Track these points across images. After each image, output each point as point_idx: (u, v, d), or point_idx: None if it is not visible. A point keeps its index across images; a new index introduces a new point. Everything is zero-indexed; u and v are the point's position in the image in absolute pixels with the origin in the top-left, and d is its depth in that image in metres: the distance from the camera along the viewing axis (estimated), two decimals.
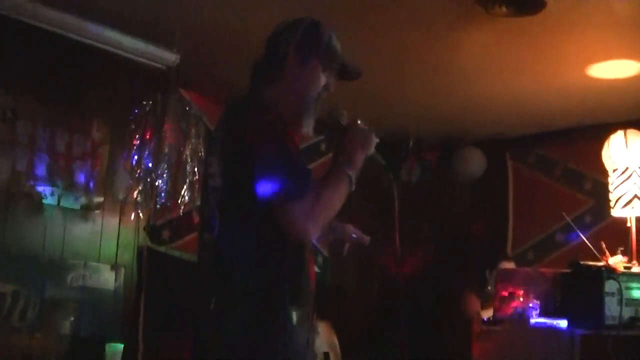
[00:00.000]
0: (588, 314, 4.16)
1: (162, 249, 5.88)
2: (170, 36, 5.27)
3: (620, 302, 4.11)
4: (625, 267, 4.31)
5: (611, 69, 5.69)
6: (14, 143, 5.09)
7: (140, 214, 5.60)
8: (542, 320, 4.30)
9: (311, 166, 2.64)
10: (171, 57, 5.40)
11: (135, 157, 5.51)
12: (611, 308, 4.10)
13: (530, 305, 4.36)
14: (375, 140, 2.76)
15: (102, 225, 5.59)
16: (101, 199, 5.58)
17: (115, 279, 5.56)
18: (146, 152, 5.51)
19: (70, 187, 5.39)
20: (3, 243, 5.04)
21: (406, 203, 3.00)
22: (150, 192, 5.51)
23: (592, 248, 4.51)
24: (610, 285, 4.14)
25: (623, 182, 4.94)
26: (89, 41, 5.09)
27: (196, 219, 5.80)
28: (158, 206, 5.55)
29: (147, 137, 5.53)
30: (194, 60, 5.65)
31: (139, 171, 5.50)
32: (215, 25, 5.21)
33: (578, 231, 4.97)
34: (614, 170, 5.05)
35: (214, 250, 2.62)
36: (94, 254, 5.51)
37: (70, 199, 5.39)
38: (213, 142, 2.80)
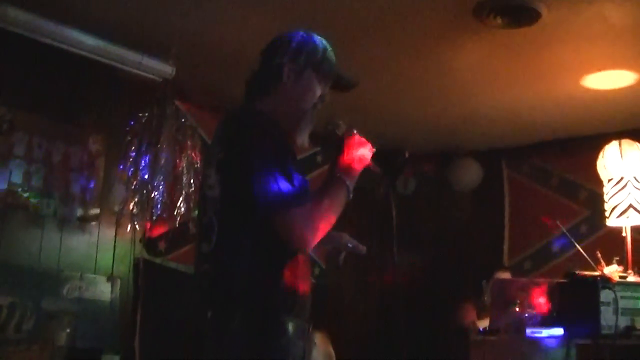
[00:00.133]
0: (584, 324, 4.17)
1: (158, 260, 5.88)
2: (166, 48, 5.29)
3: (616, 311, 4.11)
4: (620, 277, 4.32)
5: (606, 80, 5.70)
6: (10, 154, 5.09)
7: (137, 226, 5.59)
8: (538, 330, 4.30)
9: (307, 178, 2.65)
10: (167, 69, 5.41)
11: (132, 168, 5.51)
12: (607, 317, 4.10)
13: (527, 315, 4.36)
14: (372, 150, 2.78)
15: (98, 236, 5.58)
16: (97, 211, 5.58)
17: (112, 291, 5.55)
18: (142, 164, 5.51)
19: (67, 198, 5.39)
20: None
21: (402, 214, 3.00)
22: (146, 203, 5.51)
23: (588, 258, 4.51)
24: (605, 295, 4.15)
25: (618, 191, 4.95)
26: (85, 53, 5.10)
27: (192, 230, 5.80)
28: (154, 218, 5.55)
29: (143, 148, 5.53)
30: (189, 73, 5.66)
31: (135, 183, 5.50)
32: (211, 37, 5.22)
33: (574, 241, 4.98)
34: (609, 180, 5.06)
35: (211, 261, 2.62)
36: (90, 265, 5.50)
37: (67, 211, 5.38)
38: (210, 153, 2.80)
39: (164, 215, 5.58)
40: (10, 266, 5.04)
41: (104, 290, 5.51)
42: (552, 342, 4.26)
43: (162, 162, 5.51)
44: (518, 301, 4.41)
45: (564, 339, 4.21)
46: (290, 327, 2.56)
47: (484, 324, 5.13)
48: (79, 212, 5.48)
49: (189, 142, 5.69)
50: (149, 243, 5.80)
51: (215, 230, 2.61)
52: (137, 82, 5.58)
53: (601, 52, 5.25)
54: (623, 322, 4.14)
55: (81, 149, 5.51)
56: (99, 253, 5.56)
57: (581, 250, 4.69)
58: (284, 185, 2.49)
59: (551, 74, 5.67)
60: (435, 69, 5.72)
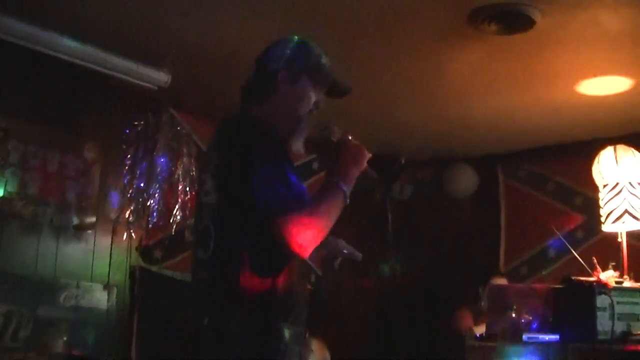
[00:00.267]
0: (580, 329, 4.17)
1: (154, 268, 5.87)
2: (161, 57, 5.29)
3: (612, 316, 4.12)
4: (616, 282, 4.32)
5: (601, 86, 5.71)
6: (6, 163, 5.08)
7: (133, 234, 5.60)
8: (534, 335, 4.30)
9: (304, 184, 2.66)
10: (162, 77, 5.40)
11: (127, 176, 5.53)
12: (603, 323, 4.11)
13: (523, 320, 4.37)
14: (368, 155, 2.78)
15: (94, 244, 5.57)
16: (93, 219, 5.57)
17: (108, 299, 5.55)
18: (138, 172, 5.53)
19: (63, 206, 5.38)
20: None
21: (399, 220, 3.00)
22: (142, 211, 5.52)
23: (584, 263, 4.52)
24: (602, 300, 4.15)
25: (613, 197, 4.95)
26: (80, 61, 5.09)
27: (188, 238, 5.80)
28: (150, 225, 5.56)
29: (139, 156, 5.54)
30: (185, 81, 5.65)
31: (130, 191, 5.51)
32: (207, 45, 5.22)
33: (569, 246, 4.98)
34: (604, 186, 5.07)
35: (208, 267, 2.62)
36: (86, 273, 5.50)
37: (63, 219, 5.38)
38: (206, 159, 2.80)
39: (160, 223, 5.60)
40: (7, 274, 5.04)
41: (100, 298, 5.51)
42: (548, 348, 4.26)
43: (158, 169, 5.53)
44: (514, 306, 4.41)
45: (560, 345, 4.21)
46: (287, 333, 2.56)
47: (480, 329, 5.13)
48: (75, 220, 5.47)
49: (184, 150, 5.70)
50: (145, 251, 5.80)
51: (212, 237, 2.61)
52: (132, 90, 5.58)
53: (596, 58, 5.26)
54: (619, 327, 4.15)
55: (77, 157, 5.50)
56: (95, 261, 5.55)
57: (577, 256, 4.70)
58: (282, 191, 2.49)
59: (546, 80, 5.68)
60: (430, 76, 5.72)
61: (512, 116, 6.56)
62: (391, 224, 2.94)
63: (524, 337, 4.29)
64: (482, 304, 6.18)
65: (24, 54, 4.97)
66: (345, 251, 3.06)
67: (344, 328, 7.31)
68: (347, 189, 2.65)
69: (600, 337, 4.09)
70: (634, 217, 4.87)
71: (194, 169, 5.68)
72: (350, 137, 2.81)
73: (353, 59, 5.27)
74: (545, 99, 6.09)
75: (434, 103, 6.35)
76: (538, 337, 4.28)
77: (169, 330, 5.56)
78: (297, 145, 2.83)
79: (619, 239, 4.99)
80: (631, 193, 4.91)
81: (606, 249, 5.04)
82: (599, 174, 5.10)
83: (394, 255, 2.97)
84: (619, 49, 5.08)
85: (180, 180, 5.66)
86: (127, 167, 5.54)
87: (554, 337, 4.25)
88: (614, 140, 5.28)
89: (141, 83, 5.39)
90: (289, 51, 2.84)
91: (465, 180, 7.74)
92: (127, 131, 5.54)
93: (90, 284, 5.48)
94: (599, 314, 4.12)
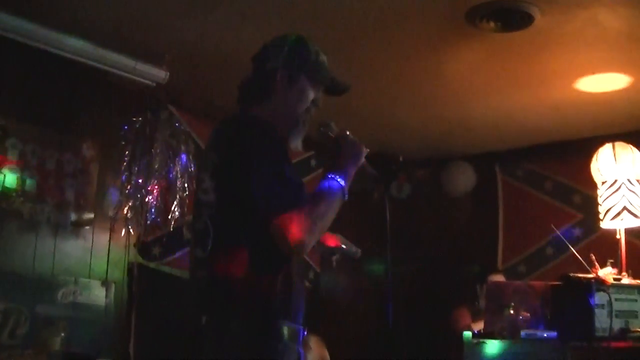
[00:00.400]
0: (578, 326, 4.17)
1: (152, 265, 5.86)
2: (160, 54, 5.29)
3: (610, 314, 4.11)
4: (615, 279, 4.32)
5: (599, 83, 5.72)
6: (4, 160, 5.08)
7: (131, 231, 5.60)
8: (532, 332, 4.30)
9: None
10: (161, 74, 5.40)
11: (126, 173, 5.52)
12: (601, 320, 4.11)
13: (521, 318, 4.36)
14: (366, 150, 2.78)
15: (92, 241, 5.57)
16: (91, 216, 5.57)
17: (106, 296, 5.54)
18: (136, 169, 5.52)
19: (61, 204, 5.38)
20: None
21: (397, 219, 3.00)
22: (140, 208, 5.51)
23: (582, 260, 4.52)
24: (600, 297, 4.15)
25: (612, 194, 4.94)
26: (78, 58, 5.09)
27: (187, 235, 5.80)
28: (148, 222, 5.56)
29: (137, 153, 5.54)
30: (183, 78, 5.66)
31: (129, 187, 5.50)
32: (205, 43, 5.22)
33: (568, 244, 4.98)
34: (603, 183, 5.07)
35: (206, 266, 2.62)
36: (84, 270, 5.49)
37: (61, 216, 5.37)
38: (205, 157, 2.80)
39: (158, 220, 5.59)
40: (5, 272, 5.03)
41: (98, 295, 5.50)
42: (546, 345, 4.26)
43: (156, 166, 5.52)
44: (512, 304, 4.41)
45: (558, 342, 4.20)
46: (286, 331, 2.56)
47: (478, 327, 5.13)
48: (73, 217, 5.46)
49: (182, 147, 5.70)
50: (143, 248, 5.79)
51: (210, 235, 2.61)
52: (130, 88, 5.59)
53: (594, 55, 5.26)
54: (617, 324, 4.14)
55: (75, 154, 5.50)
56: (93, 258, 5.55)
57: (575, 253, 4.69)
58: (281, 190, 2.50)
59: (544, 78, 5.69)
60: (428, 74, 5.72)
61: (511, 114, 6.56)
62: (389, 223, 2.94)
63: (522, 334, 4.29)
64: (480, 301, 6.18)
65: (22, 52, 4.97)
66: (343, 247, 3.06)
67: (343, 328, 7.30)
68: (346, 184, 2.65)
69: (599, 334, 4.09)
70: (632, 214, 4.86)
71: (192, 166, 5.67)
72: (347, 133, 2.81)
73: (351, 58, 5.27)
74: (544, 97, 6.09)
75: (433, 101, 6.35)
76: (536, 335, 4.28)
77: (167, 327, 5.56)
78: (296, 143, 2.83)
79: (618, 236, 4.98)
80: (630, 190, 4.90)
81: (604, 247, 5.03)
82: (597, 171, 5.10)
83: (392, 253, 2.97)
84: (617, 46, 5.08)
85: (179, 177, 5.65)
86: (125, 164, 5.54)
87: (552, 334, 4.24)
88: (612, 138, 5.27)
89: (139, 80, 5.39)
90: (286, 49, 2.83)
91: (464, 179, 7.74)
92: (125, 128, 5.53)
93: (88, 280, 5.48)
94: (597, 311, 4.11)
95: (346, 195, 2.65)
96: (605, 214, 4.99)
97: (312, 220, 2.50)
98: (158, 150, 5.58)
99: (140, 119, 5.58)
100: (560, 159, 7.25)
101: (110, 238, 5.67)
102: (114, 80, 5.49)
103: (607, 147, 5.09)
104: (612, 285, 4.23)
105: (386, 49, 5.27)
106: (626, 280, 4.45)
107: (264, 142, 2.58)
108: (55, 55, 5.01)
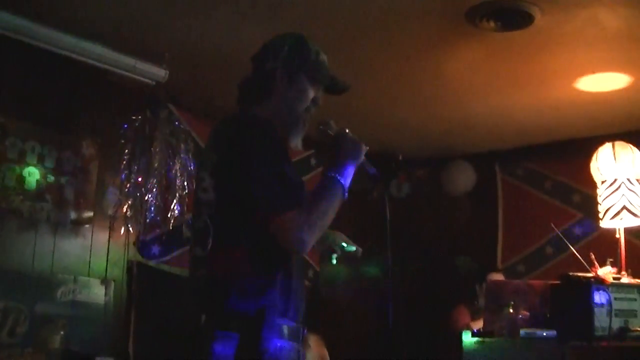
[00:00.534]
0: (578, 326, 4.16)
1: (151, 263, 5.87)
2: (159, 53, 5.29)
3: (609, 313, 4.11)
4: (614, 278, 4.32)
5: (599, 82, 5.72)
6: (4, 159, 5.08)
7: (130, 229, 5.60)
8: (532, 331, 4.29)
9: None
10: (160, 72, 5.40)
11: (125, 172, 5.52)
12: (601, 319, 4.10)
13: (520, 317, 4.36)
14: (365, 148, 2.77)
15: (91, 240, 5.56)
16: (91, 214, 5.56)
17: (105, 294, 5.54)
18: (135, 167, 5.52)
19: (60, 202, 5.38)
20: None
21: (396, 217, 3.00)
22: (139, 207, 5.52)
23: (582, 260, 4.51)
24: (599, 297, 4.15)
25: (612, 193, 4.94)
26: (78, 57, 5.09)
27: (186, 233, 5.80)
28: (148, 221, 5.56)
29: (137, 152, 5.54)
30: (183, 77, 5.66)
31: (128, 186, 5.51)
32: (205, 42, 5.22)
33: (568, 243, 4.98)
34: (603, 182, 5.07)
35: (206, 265, 2.62)
36: (83, 268, 5.49)
37: (60, 215, 5.37)
38: (205, 156, 2.80)
39: (158, 218, 5.59)
40: (4, 270, 5.03)
41: (97, 294, 5.50)
42: (545, 345, 4.26)
43: (156, 165, 5.52)
44: (512, 303, 4.41)
45: (558, 341, 4.20)
46: (286, 330, 2.56)
47: (477, 326, 5.13)
48: (73, 215, 5.46)
49: (182, 146, 5.70)
50: (142, 246, 5.79)
51: (210, 234, 2.61)
52: (130, 86, 5.58)
53: (594, 55, 5.26)
54: (617, 323, 4.14)
55: (74, 152, 5.50)
56: (92, 256, 5.55)
57: (575, 252, 4.69)
58: (281, 189, 2.49)
59: (544, 77, 5.69)
60: (428, 73, 5.72)
61: (511, 114, 6.56)
62: (389, 222, 2.94)
63: (521, 333, 4.28)
64: (480, 300, 6.19)
65: (22, 50, 4.97)
66: (344, 245, 3.06)
67: (343, 327, 7.30)
68: (346, 182, 2.65)
69: (598, 333, 4.08)
70: (632, 213, 4.86)
71: (191, 164, 5.68)
72: (347, 131, 2.81)
73: (351, 58, 5.27)
74: (544, 96, 6.09)
75: (433, 101, 6.35)
76: (535, 334, 4.28)
77: (167, 325, 5.56)
78: (296, 142, 2.83)
79: (617, 235, 4.98)
80: (629, 189, 4.90)
81: (604, 246, 5.02)
82: (597, 170, 5.10)
83: (392, 252, 2.96)
84: (617, 46, 5.08)
85: (178, 175, 5.66)
86: (124, 163, 5.54)
87: (552, 333, 4.24)
88: (611, 138, 5.27)
89: (139, 78, 5.39)
90: (286, 49, 2.83)
91: (463, 178, 7.74)
92: (125, 127, 5.54)
93: (88, 279, 5.47)
94: (596, 310, 4.11)
95: (346, 194, 2.65)
96: (605, 213, 4.99)
97: (313, 219, 2.50)
98: (157, 149, 5.59)
99: (139, 117, 5.58)
100: (560, 159, 7.26)
101: (109, 236, 5.67)
102: (113, 79, 5.49)
103: (607, 146, 5.08)
104: (612, 284, 4.22)
105: (386, 48, 5.27)
106: (626, 279, 4.44)
107: (264, 142, 2.57)
108: (55, 54, 5.01)
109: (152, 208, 5.52)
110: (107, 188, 5.67)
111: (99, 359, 5.20)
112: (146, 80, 5.41)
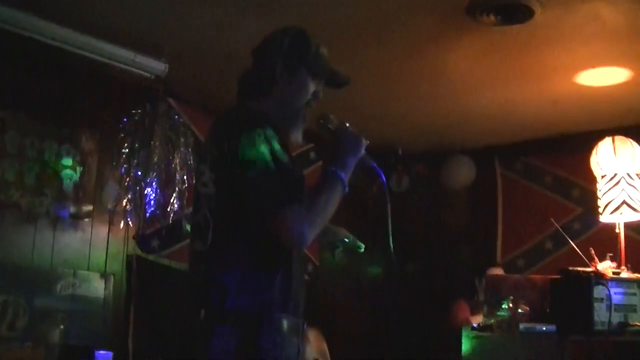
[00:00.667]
0: (577, 320, 4.17)
1: (151, 257, 5.87)
2: (159, 46, 5.28)
3: (609, 307, 4.12)
4: (614, 273, 4.33)
5: (599, 77, 5.71)
6: (3, 153, 5.07)
7: (130, 223, 5.60)
8: (531, 326, 4.30)
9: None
10: (160, 66, 5.40)
11: (125, 166, 5.52)
12: (600, 314, 4.11)
13: (520, 311, 4.36)
14: (365, 142, 2.77)
15: (91, 234, 5.57)
16: (90, 208, 5.57)
17: (105, 288, 5.55)
18: (135, 161, 5.52)
19: (60, 196, 5.38)
20: None
21: (396, 212, 2.99)
22: (139, 201, 5.51)
23: (581, 254, 4.52)
24: (599, 291, 4.15)
25: (611, 188, 4.94)
26: (77, 50, 5.08)
27: (186, 227, 5.79)
28: (147, 215, 5.55)
29: (136, 146, 5.54)
30: (182, 71, 5.65)
31: (128, 180, 5.50)
32: (205, 36, 5.21)
33: (567, 238, 4.99)
34: (602, 177, 5.07)
35: (206, 259, 2.61)
36: (83, 262, 5.50)
37: (60, 209, 5.37)
38: (205, 150, 2.79)
39: (157, 213, 5.59)
40: (3, 264, 5.04)
41: (97, 288, 5.51)
42: (545, 339, 4.26)
43: (155, 159, 5.52)
44: (511, 298, 4.41)
45: (557, 336, 4.21)
46: (285, 324, 2.55)
47: (477, 320, 5.13)
48: (72, 209, 5.46)
49: (182, 140, 5.70)
50: (142, 240, 5.79)
51: (210, 228, 2.60)
52: (129, 80, 5.58)
53: (594, 49, 5.25)
54: (616, 318, 4.15)
55: (74, 146, 5.49)
56: (92, 250, 5.56)
57: (575, 247, 4.70)
58: (281, 182, 2.48)
59: (544, 71, 5.68)
60: (428, 68, 5.72)
61: (511, 108, 6.56)
62: (389, 217, 2.93)
63: (521, 327, 4.29)
64: (479, 295, 6.18)
65: (20, 44, 4.96)
66: (346, 240, 3.05)
67: (342, 323, 7.31)
68: (346, 177, 2.65)
69: (597, 328, 4.10)
70: (631, 208, 4.86)
71: (191, 158, 5.67)
72: (347, 125, 2.80)
73: (350, 53, 5.26)
74: (544, 91, 6.09)
75: (432, 95, 6.35)
76: (535, 328, 4.28)
77: (166, 319, 5.56)
78: (296, 136, 2.82)
79: (617, 230, 4.99)
80: (629, 184, 4.91)
81: (604, 241, 5.03)
82: (597, 165, 5.10)
83: (392, 247, 2.96)
84: (617, 40, 5.08)
85: (178, 169, 5.65)
86: (124, 157, 5.54)
87: (551, 328, 4.25)
88: (611, 132, 5.28)
89: (139, 72, 5.39)
90: (286, 42, 2.81)
91: (463, 173, 7.73)
92: (125, 120, 5.53)
93: (87, 273, 5.48)
94: (596, 305, 4.12)
95: (346, 188, 2.64)
96: (605, 207, 4.99)
97: (313, 214, 2.50)
98: (157, 143, 5.58)
99: (139, 111, 5.58)
100: (559, 153, 7.25)
101: (109, 230, 5.67)
102: (113, 73, 5.49)
103: (607, 141, 5.09)
104: (611, 279, 4.23)
105: (386, 42, 5.27)
106: (625, 274, 4.45)
107: (263, 134, 2.56)
108: (54, 48, 5.01)
109: (152, 202, 5.52)
110: (107, 182, 5.67)
111: (98, 353, 5.21)
112: (146, 73, 5.41)
